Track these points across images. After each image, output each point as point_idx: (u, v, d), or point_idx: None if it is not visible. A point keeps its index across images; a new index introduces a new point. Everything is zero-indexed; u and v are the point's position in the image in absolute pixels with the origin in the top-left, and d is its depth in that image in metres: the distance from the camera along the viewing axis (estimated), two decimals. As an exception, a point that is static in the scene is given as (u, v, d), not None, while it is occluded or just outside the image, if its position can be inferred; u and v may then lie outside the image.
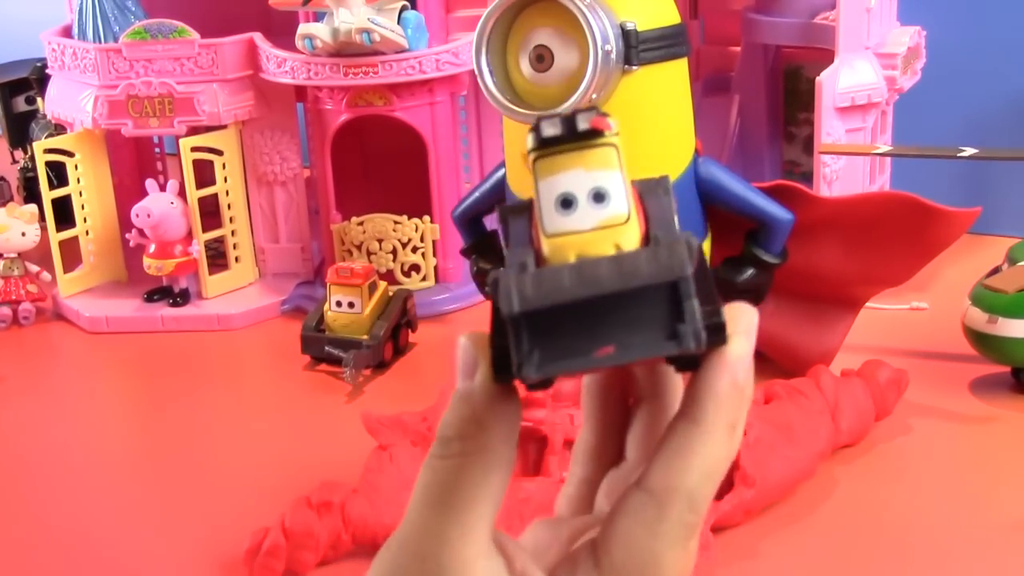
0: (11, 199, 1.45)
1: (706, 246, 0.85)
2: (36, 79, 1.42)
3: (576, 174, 0.33)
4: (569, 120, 0.33)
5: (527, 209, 0.35)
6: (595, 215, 0.33)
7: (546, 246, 0.33)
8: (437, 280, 1.18)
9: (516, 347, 0.32)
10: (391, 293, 1.08)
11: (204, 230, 1.16)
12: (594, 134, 0.33)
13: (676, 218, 0.34)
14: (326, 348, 1.04)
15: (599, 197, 0.33)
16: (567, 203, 0.33)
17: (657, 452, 0.32)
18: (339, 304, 1.04)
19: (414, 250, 1.17)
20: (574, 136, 0.33)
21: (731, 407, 0.33)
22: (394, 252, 1.16)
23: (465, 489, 0.33)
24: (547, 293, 0.31)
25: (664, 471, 0.32)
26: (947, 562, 0.74)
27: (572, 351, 0.32)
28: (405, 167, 1.21)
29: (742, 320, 0.33)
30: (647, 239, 0.33)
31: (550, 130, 0.33)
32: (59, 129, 1.26)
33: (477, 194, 0.88)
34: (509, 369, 0.32)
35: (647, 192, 0.35)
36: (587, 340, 0.32)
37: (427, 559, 0.32)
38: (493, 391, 0.33)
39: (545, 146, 0.33)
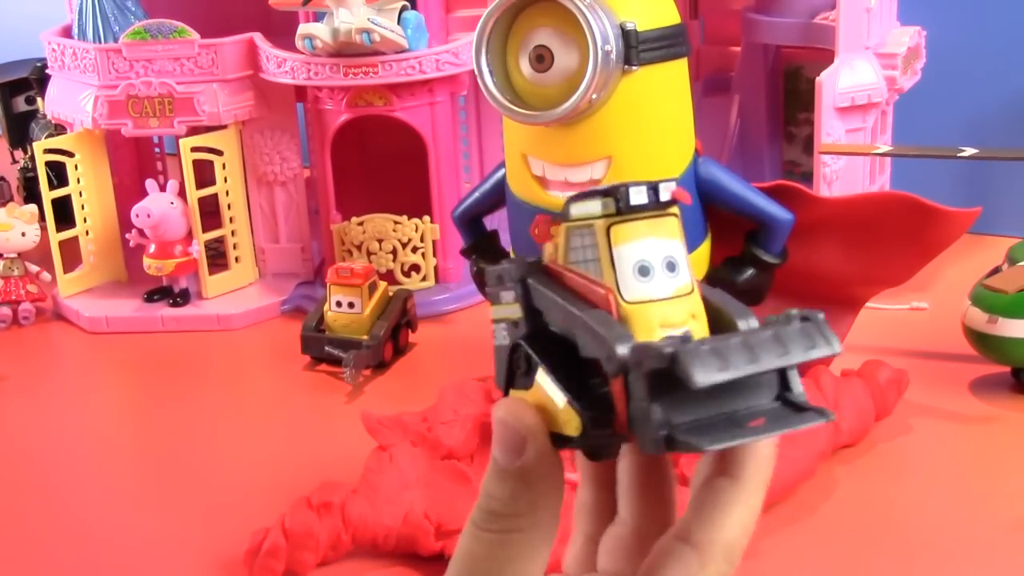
0: (11, 199, 1.45)
1: (706, 246, 0.86)
2: (36, 79, 1.42)
3: (651, 242, 0.34)
4: (655, 191, 0.34)
5: (542, 269, 0.36)
6: (669, 284, 0.34)
7: (627, 311, 0.33)
8: (437, 280, 1.18)
9: (654, 420, 0.31)
10: (391, 293, 1.09)
11: (204, 230, 1.16)
12: (669, 204, 0.34)
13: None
14: (326, 348, 1.04)
15: (671, 266, 0.34)
16: (645, 271, 0.34)
17: (698, 507, 0.34)
18: (339, 304, 1.04)
19: (414, 250, 1.17)
20: (657, 205, 0.34)
21: (768, 467, 0.34)
22: (394, 252, 1.16)
23: (515, 563, 0.33)
24: (730, 367, 0.31)
25: (707, 526, 0.33)
26: (947, 562, 0.74)
27: (719, 427, 0.32)
28: (405, 167, 1.21)
29: None
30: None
31: (639, 199, 0.34)
32: (59, 129, 1.26)
33: (477, 194, 0.88)
34: (608, 444, 0.33)
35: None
36: (728, 417, 0.32)
37: None
38: (550, 465, 0.33)
39: (636, 210, 0.34)
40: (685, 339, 0.32)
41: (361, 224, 1.16)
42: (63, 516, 0.85)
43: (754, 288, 0.85)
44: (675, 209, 0.34)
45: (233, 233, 1.19)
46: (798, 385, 0.33)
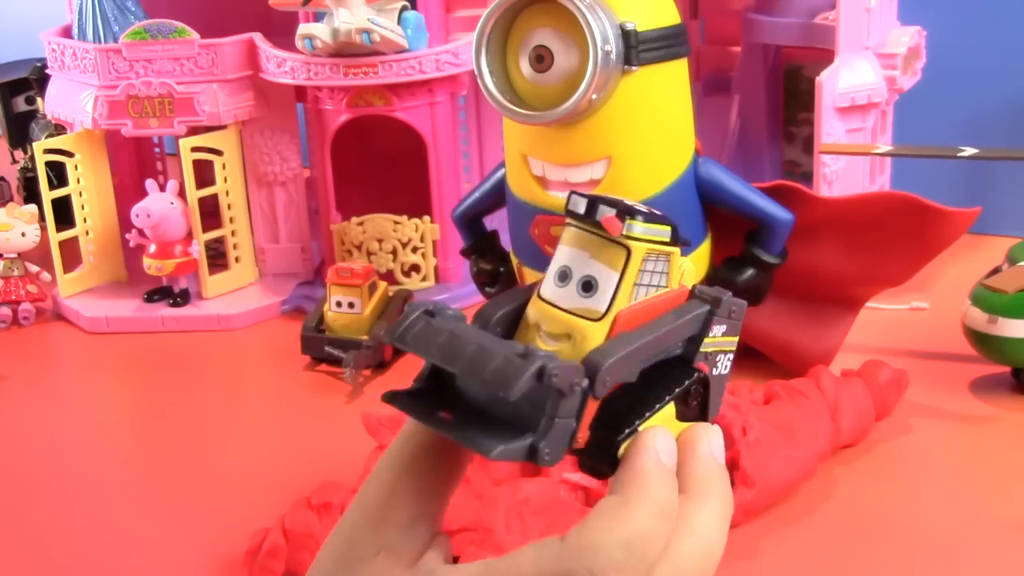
0: (11, 199, 1.45)
1: (706, 246, 0.86)
2: (36, 79, 1.42)
3: (580, 255, 0.35)
4: (592, 205, 0.35)
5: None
6: (575, 300, 0.35)
7: (532, 302, 0.35)
8: (437, 280, 1.18)
9: (417, 376, 0.35)
10: (391, 293, 1.09)
11: (204, 230, 1.16)
12: (608, 228, 0.35)
13: (704, 351, 0.36)
14: (326, 348, 1.04)
15: (587, 286, 0.35)
16: (563, 276, 0.35)
17: (587, 516, 0.33)
18: (339, 304, 1.04)
19: (414, 250, 1.17)
20: (588, 221, 0.35)
21: (658, 487, 0.33)
22: (394, 252, 1.16)
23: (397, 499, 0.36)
24: (416, 344, 0.33)
25: (583, 527, 0.32)
26: (947, 562, 0.74)
27: (430, 404, 0.35)
28: (405, 167, 1.21)
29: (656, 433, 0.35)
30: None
31: (575, 207, 0.35)
32: (59, 129, 1.26)
33: (477, 194, 0.88)
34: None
35: (682, 309, 0.36)
36: (452, 404, 0.34)
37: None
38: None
39: (576, 218, 0.35)
40: (431, 312, 0.34)
41: (361, 224, 1.16)
42: (63, 516, 0.85)
43: (754, 288, 0.85)
44: (632, 243, 0.34)
45: (233, 233, 1.19)
46: (542, 433, 0.32)
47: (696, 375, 0.36)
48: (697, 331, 0.36)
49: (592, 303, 0.34)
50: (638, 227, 0.34)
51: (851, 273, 0.90)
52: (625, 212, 0.34)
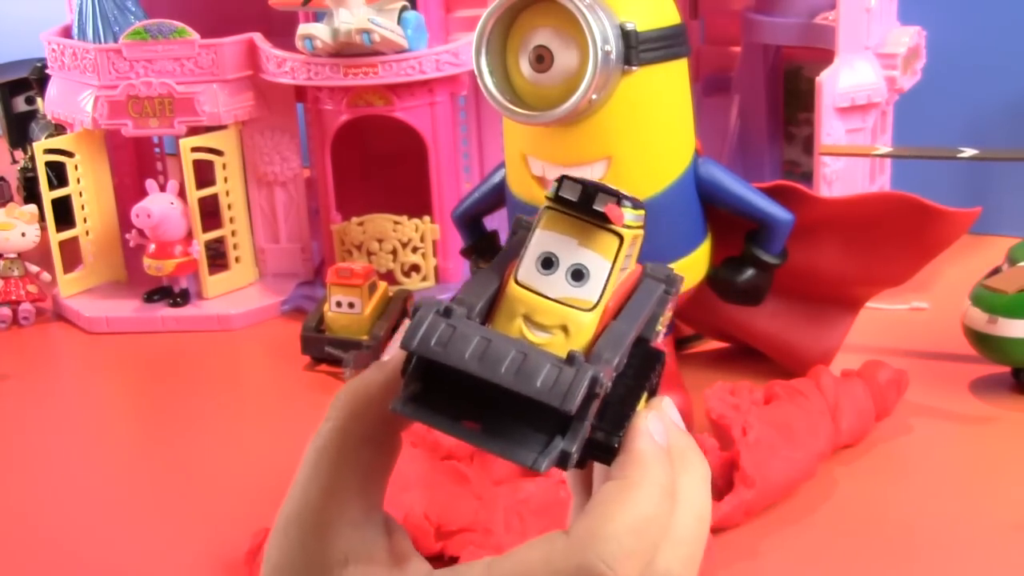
0: (11, 199, 1.45)
1: (706, 246, 0.86)
2: (36, 79, 1.42)
3: (568, 242, 0.33)
4: (589, 193, 0.33)
5: (527, 230, 0.35)
6: (564, 289, 0.33)
7: (510, 288, 0.33)
8: (437, 280, 1.18)
9: (406, 377, 0.32)
10: (391, 293, 1.09)
11: (204, 230, 1.16)
12: (604, 217, 0.33)
13: (656, 329, 0.35)
14: (326, 348, 1.04)
15: (577, 275, 0.33)
16: (547, 263, 0.33)
17: (591, 501, 0.32)
18: (339, 305, 1.04)
19: (414, 250, 1.16)
20: (586, 210, 0.33)
21: (658, 468, 0.33)
22: (394, 252, 1.16)
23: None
24: (448, 352, 0.31)
25: (587, 516, 0.32)
26: (948, 562, 0.74)
27: (444, 409, 0.32)
28: (405, 167, 1.21)
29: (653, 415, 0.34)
30: (595, 340, 0.33)
31: (568, 194, 0.33)
32: (59, 129, 1.26)
33: (477, 195, 0.88)
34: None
35: (645, 290, 0.35)
36: (463, 407, 0.32)
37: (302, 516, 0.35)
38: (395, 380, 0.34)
39: (559, 203, 0.33)
40: (448, 311, 0.32)
41: (361, 224, 1.16)
42: (63, 516, 0.85)
43: (754, 288, 0.85)
44: (624, 230, 0.33)
45: (233, 233, 1.19)
46: (571, 438, 0.32)
47: (662, 356, 0.35)
48: (657, 312, 0.35)
49: (583, 292, 0.33)
50: (629, 214, 0.33)
51: (851, 273, 0.90)
52: (619, 199, 0.33)
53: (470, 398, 0.32)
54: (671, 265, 0.37)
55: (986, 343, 0.90)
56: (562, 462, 0.32)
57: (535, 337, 0.33)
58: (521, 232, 0.36)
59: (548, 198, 0.33)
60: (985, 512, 0.78)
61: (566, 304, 0.33)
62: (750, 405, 0.81)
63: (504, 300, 0.33)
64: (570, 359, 0.31)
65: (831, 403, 0.84)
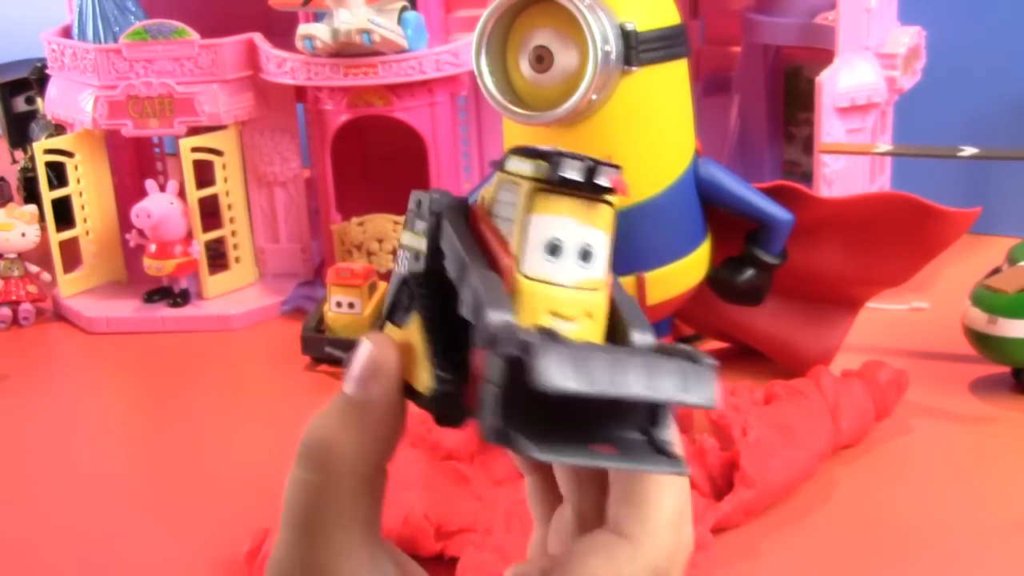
0: (11, 199, 1.45)
1: (706, 246, 0.86)
2: (36, 79, 1.42)
3: (570, 223, 0.31)
4: (592, 171, 0.31)
5: (465, 211, 0.33)
6: (577, 272, 0.31)
7: (521, 285, 0.31)
8: (437, 280, 1.18)
9: (495, 409, 0.29)
10: (391, 293, 1.08)
11: (204, 230, 1.16)
12: (607, 190, 0.31)
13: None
14: (326, 349, 1.04)
15: (586, 256, 0.31)
16: (554, 250, 0.31)
17: (627, 498, 0.32)
18: (339, 305, 1.04)
19: (414, 250, 1.16)
20: (591, 187, 0.31)
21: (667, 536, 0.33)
22: (394, 252, 1.16)
23: (327, 511, 0.33)
24: (585, 380, 0.28)
25: (636, 515, 0.31)
26: (947, 562, 0.74)
27: (567, 438, 0.29)
28: (405, 167, 1.21)
29: None
30: (612, 314, 0.32)
31: (572, 173, 0.30)
32: (59, 129, 1.26)
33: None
34: (454, 415, 0.31)
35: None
36: (581, 432, 0.30)
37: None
38: (390, 410, 0.32)
39: (554, 184, 0.31)
40: (551, 334, 0.29)
41: (361, 224, 1.16)
42: (63, 516, 0.85)
43: (754, 288, 0.85)
44: (612, 198, 0.32)
45: (233, 233, 1.19)
46: (667, 426, 0.31)
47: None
48: None
49: (593, 271, 0.31)
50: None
51: (851, 273, 0.90)
52: (618, 169, 0.31)
53: (541, 414, 0.29)
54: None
55: (986, 343, 0.90)
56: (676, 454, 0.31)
57: (563, 329, 0.30)
58: (452, 217, 0.33)
59: (542, 180, 0.31)
60: (985, 512, 0.78)
61: (583, 288, 0.31)
62: (750, 405, 0.81)
63: (518, 299, 0.30)
64: (692, 355, 0.30)
65: (831, 403, 0.84)
